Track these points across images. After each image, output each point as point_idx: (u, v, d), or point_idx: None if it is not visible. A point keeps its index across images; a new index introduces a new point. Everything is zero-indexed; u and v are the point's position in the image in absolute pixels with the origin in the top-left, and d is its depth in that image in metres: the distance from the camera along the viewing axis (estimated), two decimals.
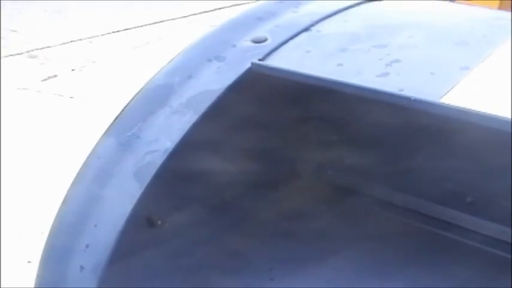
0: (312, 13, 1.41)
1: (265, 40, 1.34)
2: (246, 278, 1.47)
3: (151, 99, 1.31)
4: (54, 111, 4.74)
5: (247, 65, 1.29)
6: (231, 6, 7.68)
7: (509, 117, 1.02)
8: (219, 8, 7.77)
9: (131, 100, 1.33)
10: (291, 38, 1.34)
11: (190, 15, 7.56)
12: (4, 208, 3.31)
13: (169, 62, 1.37)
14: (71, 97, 4.99)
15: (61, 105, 4.86)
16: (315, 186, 1.69)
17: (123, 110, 1.32)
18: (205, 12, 7.71)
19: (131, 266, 1.31)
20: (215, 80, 1.29)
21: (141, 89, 1.34)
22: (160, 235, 1.39)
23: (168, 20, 7.37)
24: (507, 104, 1.05)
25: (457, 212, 1.55)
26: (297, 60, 1.28)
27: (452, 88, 1.10)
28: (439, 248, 1.53)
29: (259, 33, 1.37)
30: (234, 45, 1.35)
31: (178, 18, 7.46)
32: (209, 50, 1.36)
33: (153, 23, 7.21)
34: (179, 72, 1.33)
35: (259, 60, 1.29)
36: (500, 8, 4.55)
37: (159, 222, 1.36)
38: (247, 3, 7.41)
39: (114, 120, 1.31)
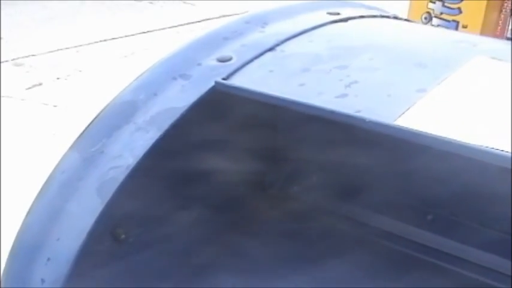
0: (278, 33, 1.44)
1: (230, 59, 1.36)
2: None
3: (117, 116, 1.33)
4: (37, 119, 4.75)
5: (212, 84, 1.31)
6: (219, 17, 7.71)
7: (461, 140, 1.04)
8: (207, 19, 7.80)
9: (97, 116, 1.35)
10: (256, 57, 1.36)
11: (178, 25, 7.58)
12: None
13: (136, 78, 1.39)
14: (55, 106, 5.00)
15: (45, 113, 4.87)
16: (280, 201, 1.71)
17: (89, 125, 1.34)
18: (193, 23, 7.72)
19: (97, 279, 1.33)
20: (179, 98, 1.31)
21: (108, 104, 1.36)
22: (124, 249, 1.41)
23: (156, 30, 7.39)
24: (460, 126, 1.08)
25: (418, 229, 1.58)
26: (260, 79, 1.31)
27: (407, 110, 1.13)
28: (399, 264, 1.56)
29: (225, 52, 1.39)
30: (199, 64, 1.37)
31: (166, 28, 7.48)
32: (175, 68, 1.38)
33: (141, 33, 7.22)
34: (145, 89, 1.35)
35: (223, 79, 1.31)
36: (487, 9, 4.60)
37: (123, 236, 1.37)
38: (236, 14, 7.45)
39: (80, 135, 1.33)
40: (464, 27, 4.79)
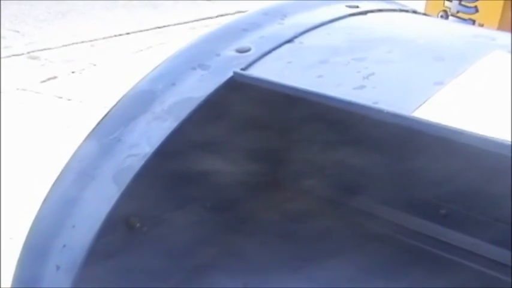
0: (296, 25, 1.44)
1: (249, 50, 1.37)
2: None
3: (135, 105, 1.33)
4: (51, 112, 4.76)
5: (230, 74, 1.31)
6: (235, 13, 7.71)
7: (477, 132, 1.04)
8: (222, 15, 7.80)
9: (115, 105, 1.36)
10: (274, 48, 1.36)
11: (193, 20, 7.59)
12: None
13: (155, 68, 1.40)
14: (69, 99, 5.02)
15: (59, 107, 4.89)
16: (295, 195, 1.71)
17: (106, 114, 1.34)
18: (209, 18, 7.73)
19: (111, 267, 1.33)
20: (197, 88, 1.31)
21: (125, 94, 1.37)
22: (139, 237, 1.42)
23: (170, 25, 7.40)
24: (477, 119, 1.08)
25: (431, 224, 1.58)
26: (278, 70, 1.31)
27: (424, 102, 1.13)
28: (411, 257, 1.56)
29: (243, 43, 1.39)
30: (218, 54, 1.38)
31: (182, 23, 7.49)
32: (194, 58, 1.38)
33: (155, 28, 7.23)
34: (163, 79, 1.36)
35: (242, 69, 1.31)
36: (504, 8, 4.57)
37: (138, 225, 1.38)
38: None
39: (98, 124, 1.33)
40: (481, 26, 4.77)
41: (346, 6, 1.53)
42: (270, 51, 1.36)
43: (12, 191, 3.60)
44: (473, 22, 4.80)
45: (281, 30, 1.42)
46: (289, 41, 1.39)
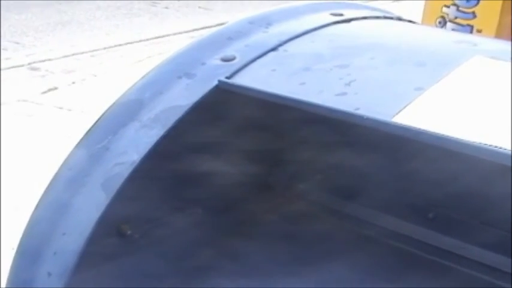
0: (281, 33, 1.46)
1: (233, 59, 1.39)
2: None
3: (123, 113, 1.36)
4: (52, 123, 4.78)
5: (215, 83, 1.34)
6: None
7: (458, 137, 1.06)
8: (221, 24, 7.81)
9: (103, 113, 1.38)
10: (259, 57, 1.38)
11: (193, 30, 7.61)
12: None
13: (142, 77, 1.42)
14: (70, 110, 5.04)
15: (59, 117, 4.91)
16: (282, 202, 1.73)
17: (95, 123, 1.37)
18: (208, 27, 7.74)
19: (104, 272, 1.35)
20: (183, 96, 1.34)
21: (114, 103, 1.39)
22: (132, 243, 1.44)
23: (170, 34, 7.42)
24: (457, 124, 1.09)
25: (419, 227, 1.60)
26: (262, 78, 1.33)
27: (404, 108, 1.15)
28: (399, 262, 1.57)
29: (228, 52, 1.41)
30: (203, 63, 1.40)
31: (181, 33, 7.52)
32: (180, 67, 1.41)
33: (156, 37, 7.26)
34: (150, 87, 1.38)
35: (226, 78, 1.34)
36: (502, 13, 4.58)
37: (129, 232, 1.40)
38: None
39: (86, 133, 1.36)
40: (479, 31, 4.78)
41: (331, 14, 1.55)
42: (254, 60, 1.38)
43: (13, 201, 3.62)
44: (472, 28, 4.81)
45: (266, 39, 1.45)
46: (274, 49, 1.41)
